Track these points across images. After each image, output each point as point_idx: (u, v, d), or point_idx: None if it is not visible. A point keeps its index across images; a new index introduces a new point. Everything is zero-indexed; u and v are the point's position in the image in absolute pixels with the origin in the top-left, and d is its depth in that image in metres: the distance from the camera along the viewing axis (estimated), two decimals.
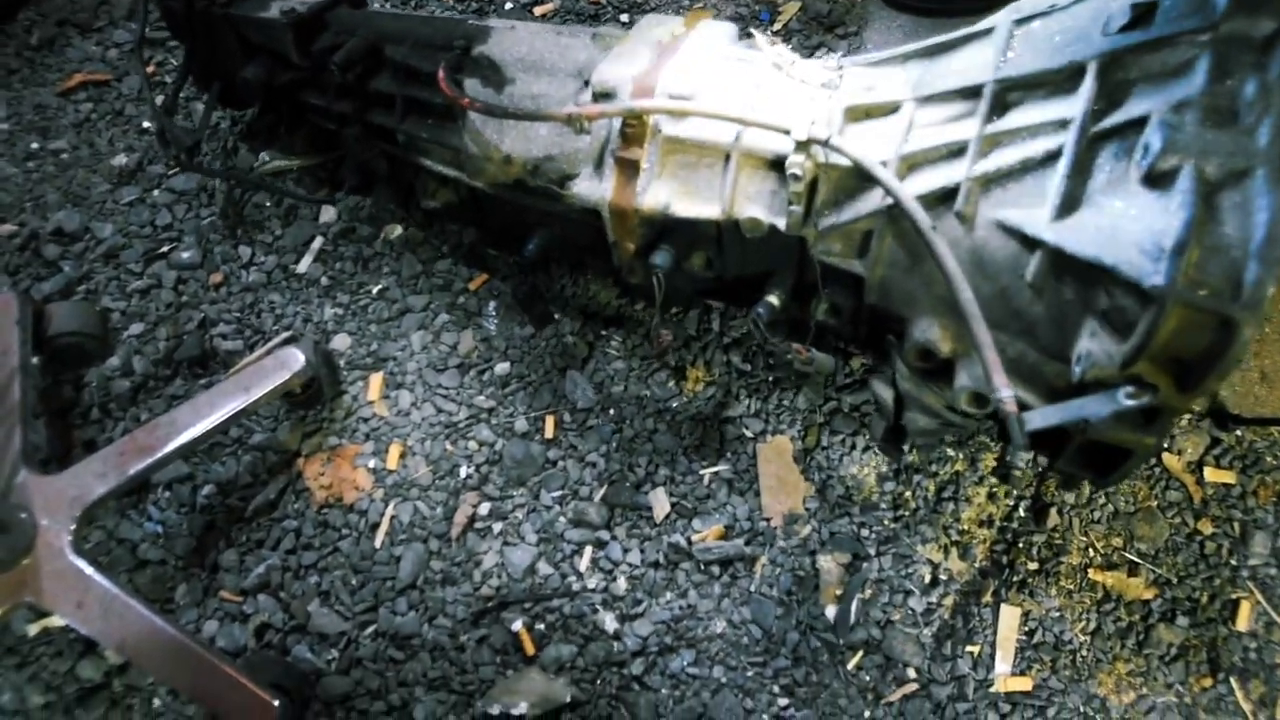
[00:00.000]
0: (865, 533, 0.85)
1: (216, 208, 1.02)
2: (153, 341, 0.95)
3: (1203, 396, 0.65)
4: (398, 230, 0.99)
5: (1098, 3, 0.60)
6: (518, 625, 0.82)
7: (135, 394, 0.93)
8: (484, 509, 0.87)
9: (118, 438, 0.90)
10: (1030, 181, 0.59)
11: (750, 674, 0.80)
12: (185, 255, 0.99)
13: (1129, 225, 0.51)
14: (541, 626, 0.82)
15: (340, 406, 0.91)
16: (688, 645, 0.82)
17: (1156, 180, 0.51)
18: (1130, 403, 0.52)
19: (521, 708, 0.79)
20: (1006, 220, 0.59)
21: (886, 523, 0.85)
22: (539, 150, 0.81)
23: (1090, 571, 0.83)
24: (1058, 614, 0.82)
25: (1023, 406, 0.59)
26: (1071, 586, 0.83)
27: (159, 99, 0.99)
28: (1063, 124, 0.57)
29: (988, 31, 0.66)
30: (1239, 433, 0.88)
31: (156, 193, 1.05)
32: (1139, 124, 0.53)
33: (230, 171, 1.03)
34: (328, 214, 1.01)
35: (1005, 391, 0.56)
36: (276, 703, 0.72)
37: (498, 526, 0.86)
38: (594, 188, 0.78)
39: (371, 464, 0.89)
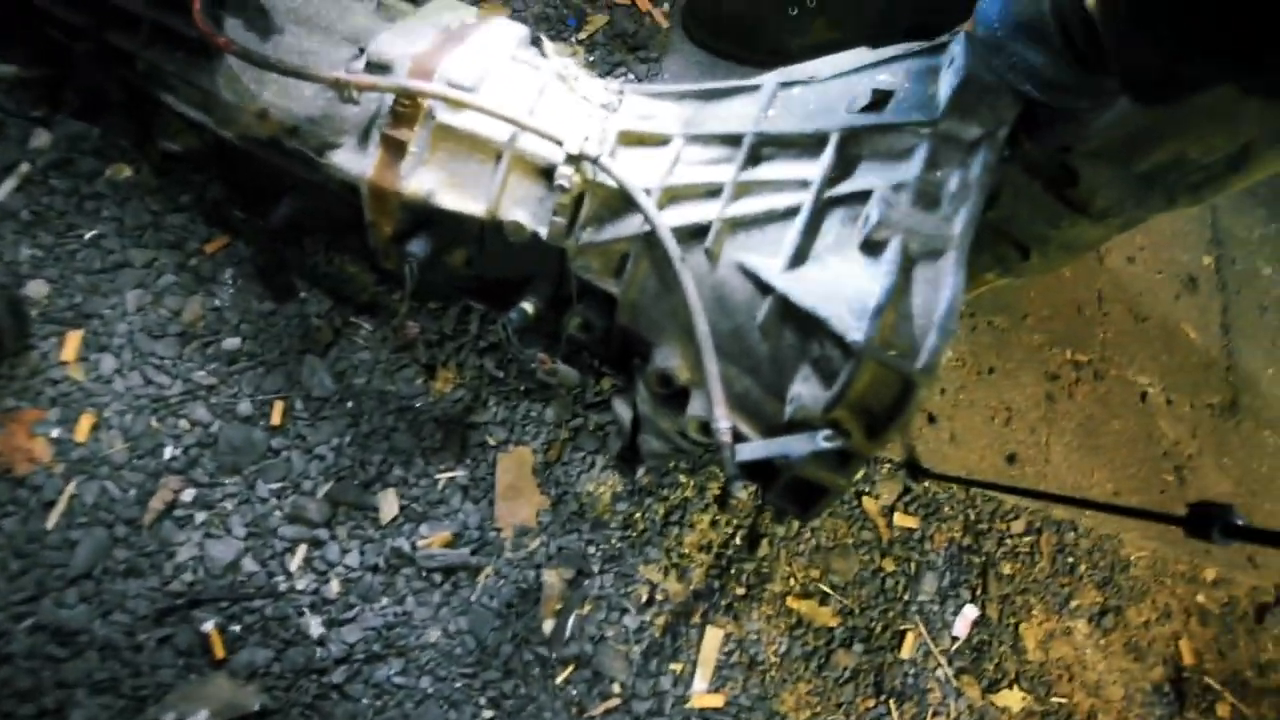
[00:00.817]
0: (592, 550, 0.87)
1: None
2: None
3: (886, 445, 0.74)
4: (126, 172, 0.88)
5: (848, 82, 0.67)
6: (209, 626, 0.75)
7: None
8: (187, 495, 0.79)
9: None
10: (772, 231, 0.64)
11: (459, 685, 0.79)
12: None
13: (844, 284, 0.58)
14: (237, 628, 0.76)
15: (24, 364, 0.79)
16: (397, 654, 0.79)
17: (871, 248, 0.57)
18: (826, 445, 0.58)
19: (201, 715, 0.73)
20: (746, 263, 0.63)
21: (614, 541, 0.88)
22: (300, 110, 0.75)
23: (789, 599, 0.91)
24: (755, 637, 0.88)
25: (741, 438, 0.63)
26: (771, 612, 0.90)
27: None
28: (804, 184, 0.63)
29: (756, 88, 0.71)
30: (926, 485, 1.00)
31: None
32: (864, 196, 0.60)
33: None
34: (40, 139, 0.87)
35: (724, 423, 0.60)
36: None
37: (201, 516, 0.79)
38: (355, 161, 0.73)
39: (55, 433, 0.78)
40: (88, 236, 0.85)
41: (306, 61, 0.74)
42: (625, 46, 1.17)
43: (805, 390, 0.60)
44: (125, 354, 0.81)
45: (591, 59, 1.14)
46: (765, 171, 0.66)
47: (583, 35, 1.16)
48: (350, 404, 0.86)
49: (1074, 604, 1.02)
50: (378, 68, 0.72)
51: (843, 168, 0.63)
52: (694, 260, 0.66)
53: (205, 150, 0.83)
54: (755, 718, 0.85)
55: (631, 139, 0.72)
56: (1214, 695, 1.04)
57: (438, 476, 0.86)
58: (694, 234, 0.67)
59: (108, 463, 0.78)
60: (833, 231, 0.62)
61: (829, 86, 0.68)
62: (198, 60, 0.77)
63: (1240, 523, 0.66)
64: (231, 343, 0.84)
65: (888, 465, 0.99)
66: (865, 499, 0.97)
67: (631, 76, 1.15)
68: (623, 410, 0.79)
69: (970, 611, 0.96)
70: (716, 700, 0.85)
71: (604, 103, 0.76)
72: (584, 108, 0.75)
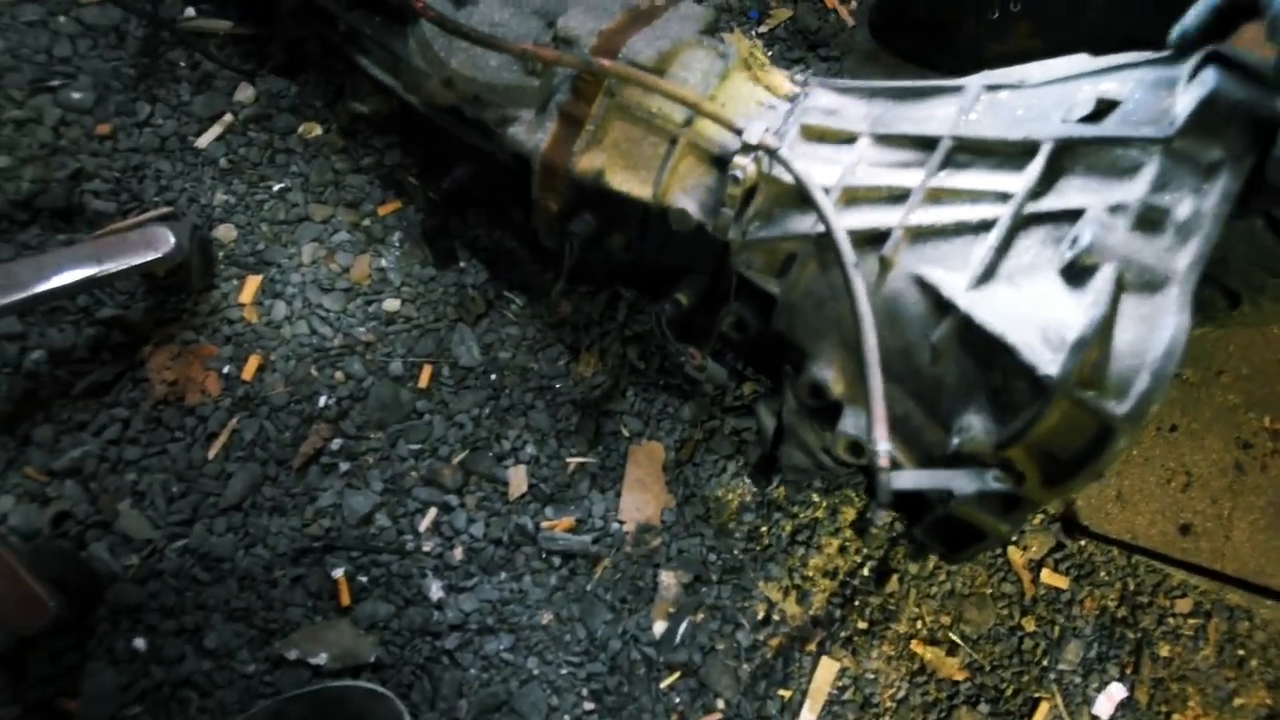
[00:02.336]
0: (713, 557, 0.85)
1: (125, 53, 0.92)
2: (16, 180, 0.85)
3: (1064, 496, 0.67)
4: (317, 130, 0.92)
5: (1065, 88, 0.60)
6: (339, 573, 0.78)
7: None
8: (335, 445, 0.82)
9: None
10: (959, 244, 0.58)
11: (564, 672, 0.79)
12: (76, 96, 0.89)
13: (1039, 311, 0.51)
14: (364, 579, 0.79)
15: (206, 301, 0.84)
16: (509, 630, 0.80)
17: (1076, 274, 0.51)
18: (996, 485, 0.52)
19: (321, 658, 0.76)
20: (926, 276, 0.58)
21: (736, 552, 0.85)
22: (484, 80, 0.76)
23: (913, 642, 0.85)
24: (872, 676, 0.83)
25: (896, 465, 0.59)
26: (892, 653, 0.84)
27: None
28: (1004, 196, 0.57)
29: (957, 89, 0.65)
30: (1082, 543, 0.91)
31: (63, 19, 0.94)
32: (1073, 215, 0.53)
33: (155, 15, 0.93)
34: (245, 92, 0.92)
35: (882, 445, 0.55)
36: (53, 604, 0.66)
37: (345, 466, 0.82)
38: (531, 135, 0.74)
39: (225, 370, 0.82)
40: (276, 188, 0.89)
41: (497, 33, 0.75)
42: (806, 43, 1.13)
43: (978, 422, 0.54)
44: (296, 303, 0.85)
45: (770, 53, 1.11)
46: (959, 180, 0.60)
47: (764, 28, 1.13)
48: (494, 376, 0.87)
49: (1238, 702, 0.90)
50: (564, 42, 0.72)
51: (1050, 182, 0.56)
52: (867, 268, 0.62)
53: (390, 114, 0.86)
54: None
55: (814, 134, 0.68)
56: None
57: (569, 460, 0.85)
58: (870, 240, 0.62)
59: (268, 403, 0.82)
60: (1029, 251, 0.55)
61: (1042, 92, 0.61)
62: (393, 26, 0.79)
63: None
64: (391, 304, 0.87)
65: (1041, 517, 0.91)
66: (1011, 549, 0.89)
67: (811, 73, 1.11)
68: (766, 418, 0.75)
69: (1117, 691, 0.87)
70: None
71: (788, 94, 0.72)
72: (766, 97, 0.72)
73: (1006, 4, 1.09)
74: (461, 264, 0.89)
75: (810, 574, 0.85)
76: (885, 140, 0.64)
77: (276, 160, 0.91)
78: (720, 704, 0.80)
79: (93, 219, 0.85)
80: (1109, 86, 0.57)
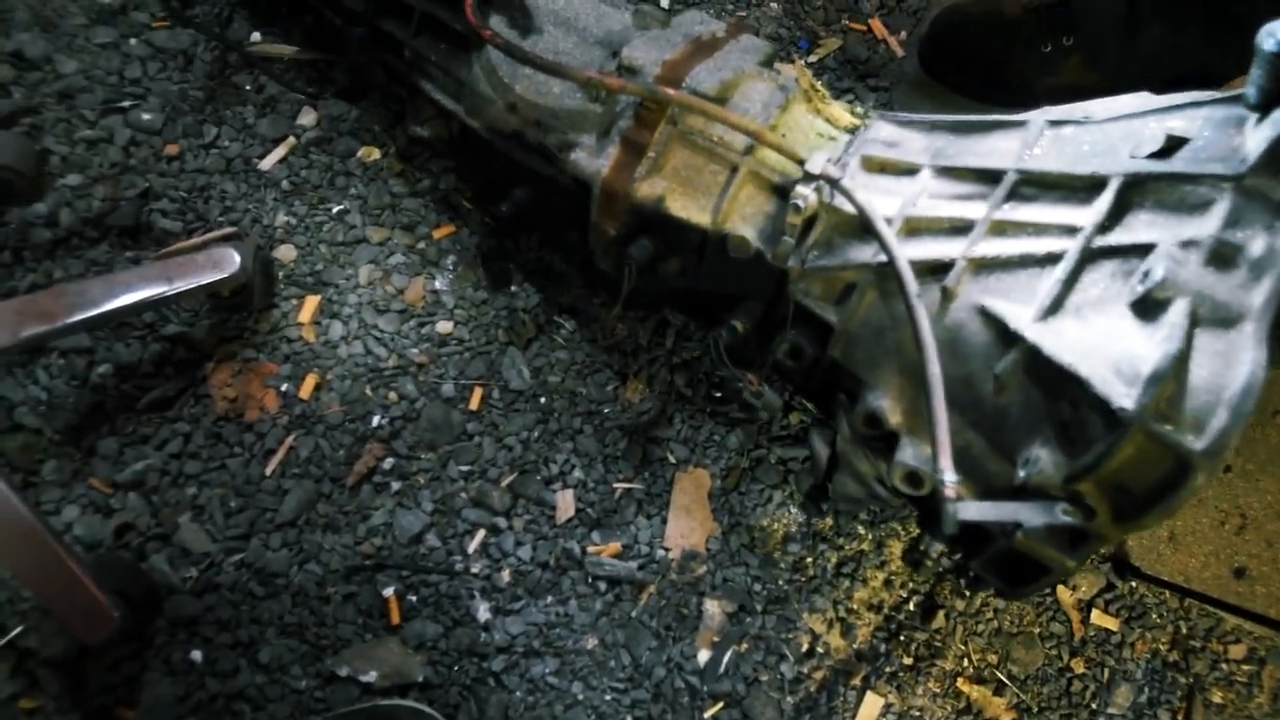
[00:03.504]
0: (758, 587, 0.84)
1: (193, 76, 0.95)
2: (87, 198, 0.88)
3: (1135, 531, 0.66)
4: (375, 154, 0.94)
5: (1131, 125, 0.60)
6: (390, 591, 0.79)
7: (54, 248, 0.87)
8: (387, 464, 0.83)
9: (23, 289, 0.84)
10: (1023, 277, 0.58)
11: (608, 698, 0.79)
12: (146, 117, 0.92)
13: (1110, 344, 0.51)
14: (413, 599, 0.80)
15: (266, 320, 0.86)
16: (554, 654, 0.80)
17: (1148, 308, 0.50)
18: (1066, 519, 0.52)
19: (371, 675, 0.77)
20: (990, 308, 0.58)
21: (781, 583, 0.85)
22: (548, 105, 0.78)
23: (959, 680, 0.84)
24: (918, 714, 0.82)
25: (959, 496, 0.58)
26: (938, 690, 0.84)
27: None
28: (1070, 230, 0.56)
29: (1020, 123, 0.64)
30: (1133, 585, 0.89)
31: (134, 42, 0.97)
32: (1143, 250, 0.53)
33: (224, 38, 0.96)
34: (307, 116, 0.95)
35: (949, 475, 0.54)
36: (117, 614, 0.68)
37: (396, 485, 0.83)
38: (592, 160, 0.75)
39: (284, 388, 0.84)
40: (335, 210, 0.91)
41: (560, 61, 0.76)
42: (856, 73, 1.14)
43: (1045, 455, 0.54)
44: (352, 323, 0.87)
45: (819, 83, 1.11)
46: (1024, 213, 0.59)
47: (814, 58, 1.14)
48: (543, 400, 0.88)
49: None
50: (629, 71, 0.73)
51: (1118, 216, 0.56)
52: (928, 298, 0.62)
53: (449, 139, 0.88)
54: None
55: (875, 165, 0.68)
56: None
57: (616, 485, 0.86)
58: (932, 270, 0.61)
59: (324, 422, 0.84)
60: (1098, 285, 0.55)
61: (1108, 128, 0.61)
62: (458, 52, 0.81)
63: None
64: (444, 325, 0.89)
65: (1092, 557, 0.90)
66: (1060, 589, 0.88)
67: (860, 104, 1.11)
68: (820, 446, 0.75)
69: None
70: None
71: (848, 125, 0.73)
72: (826, 129, 0.72)
73: (1059, 37, 1.09)
74: (514, 288, 0.91)
75: (855, 607, 0.85)
76: (947, 172, 0.64)
77: (336, 183, 0.93)
78: None
79: (159, 237, 0.88)
80: (1176, 124, 0.57)
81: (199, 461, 0.81)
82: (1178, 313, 0.48)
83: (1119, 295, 0.53)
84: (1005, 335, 0.56)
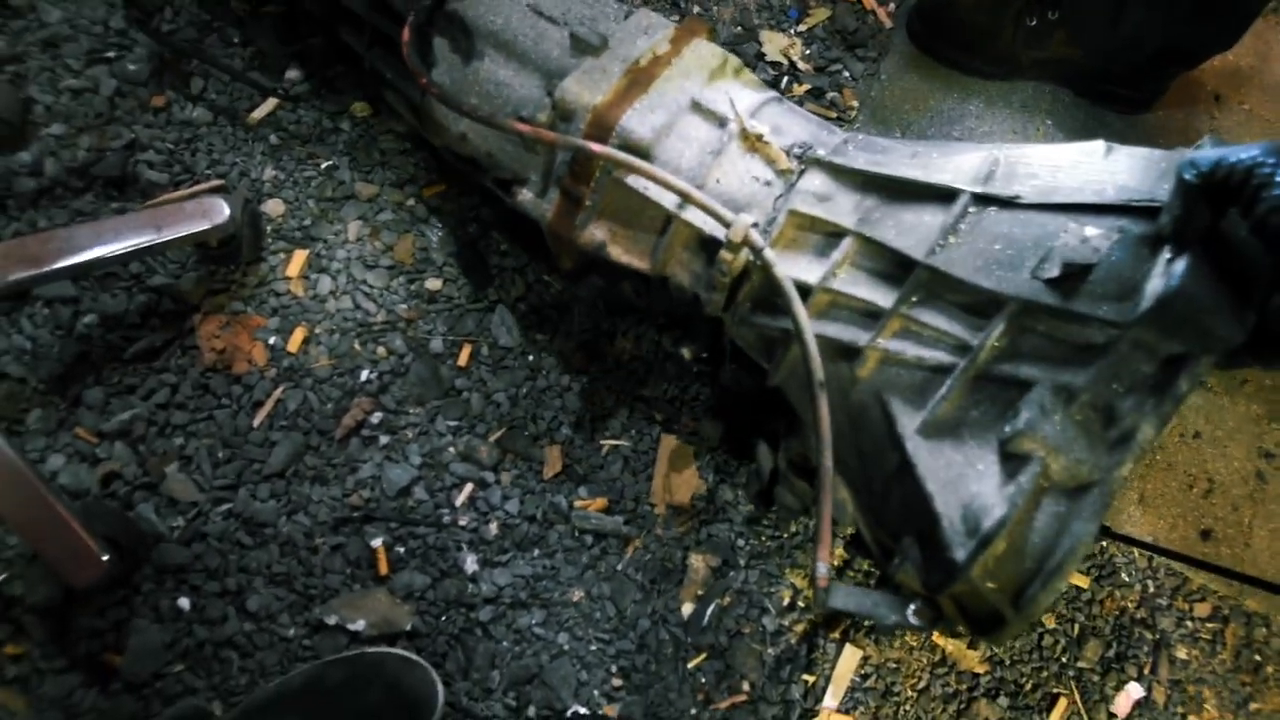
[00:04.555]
0: (741, 543, 0.86)
1: (179, 26, 0.94)
2: (72, 148, 0.87)
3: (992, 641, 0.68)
4: (366, 110, 0.94)
5: (1051, 224, 0.57)
6: (378, 542, 0.80)
7: (38, 197, 0.86)
8: (375, 418, 0.84)
9: (7, 238, 0.83)
10: (920, 379, 0.59)
11: (593, 648, 0.81)
12: (132, 68, 0.91)
13: (970, 481, 0.53)
14: (401, 550, 0.81)
15: (255, 273, 0.86)
16: (541, 605, 0.81)
17: (1009, 455, 0.52)
18: (914, 621, 0.55)
19: (359, 624, 0.77)
20: (888, 403, 0.59)
21: (764, 539, 0.86)
22: (489, 147, 0.78)
23: (936, 635, 0.86)
24: (895, 665, 0.85)
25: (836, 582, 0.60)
26: (915, 644, 0.86)
27: None
28: (964, 348, 0.57)
29: (950, 196, 0.62)
30: (1104, 544, 0.92)
31: None
32: (1024, 385, 0.53)
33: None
34: (294, 70, 0.94)
35: (821, 567, 0.57)
36: (105, 558, 0.68)
37: (384, 439, 0.83)
38: (537, 205, 0.75)
39: (271, 340, 0.84)
40: (324, 165, 0.91)
41: (502, 94, 0.76)
42: (844, 43, 1.14)
43: (913, 554, 0.56)
44: (341, 278, 0.87)
45: (808, 52, 1.12)
46: (927, 314, 0.59)
47: (803, 27, 1.14)
48: (531, 357, 0.88)
49: (1254, 707, 0.91)
50: (563, 115, 0.72)
51: (1012, 339, 0.55)
52: (841, 372, 0.62)
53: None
54: None
55: (804, 222, 0.67)
56: None
57: (603, 443, 0.87)
58: (843, 352, 0.62)
59: (312, 375, 0.84)
60: (979, 407, 0.55)
61: (1027, 221, 0.58)
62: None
63: None
64: (433, 282, 0.89)
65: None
66: None
67: (847, 74, 1.12)
68: (764, 459, 0.78)
69: (1135, 690, 0.88)
70: None
71: (785, 169, 0.70)
72: (763, 171, 0.70)
73: (1045, 12, 1.10)
74: (503, 247, 0.91)
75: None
76: (869, 244, 0.63)
77: (326, 139, 0.92)
78: (745, 686, 0.81)
79: (145, 189, 0.87)
80: (1091, 232, 0.54)
81: (186, 412, 0.81)
82: (1029, 472, 0.50)
83: (995, 422, 0.54)
84: (893, 436, 0.58)
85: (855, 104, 1.11)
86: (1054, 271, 0.52)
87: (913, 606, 0.55)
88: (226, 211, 0.79)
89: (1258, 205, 0.44)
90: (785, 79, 1.09)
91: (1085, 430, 0.50)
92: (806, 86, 1.10)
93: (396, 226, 0.90)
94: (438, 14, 0.78)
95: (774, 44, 1.13)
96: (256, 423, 0.82)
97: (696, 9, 1.12)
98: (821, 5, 1.16)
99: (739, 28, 1.12)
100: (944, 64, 1.16)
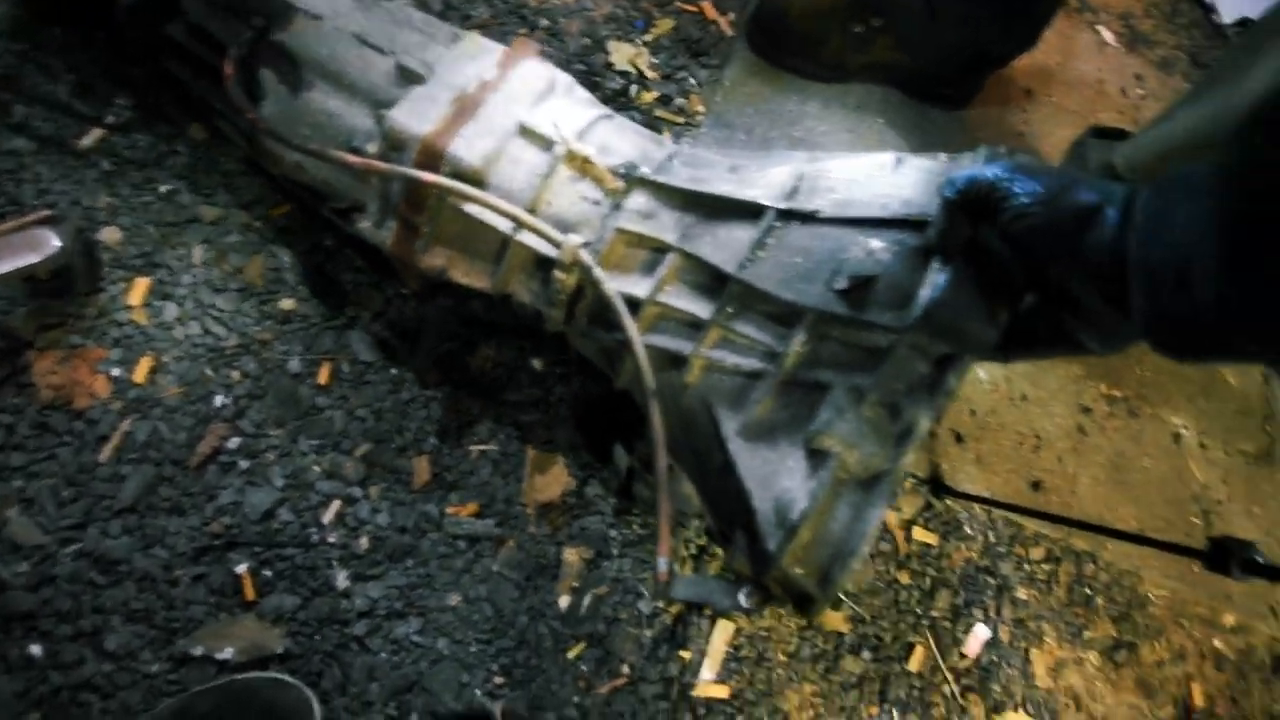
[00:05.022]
0: (613, 534, 0.89)
1: None
2: None
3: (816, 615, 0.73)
4: (203, 133, 0.92)
5: (843, 239, 0.62)
6: (242, 568, 0.79)
7: None
8: (233, 443, 0.82)
9: None
10: (739, 385, 0.64)
11: (474, 650, 0.82)
12: None
13: (781, 476, 0.59)
14: (268, 573, 0.80)
15: (93, 304, 0.83)
16: (418, 614, 0.82)
17: (813, 453, 0.58)
18: (746, 605, 0.61)
19: (227, 652, 0.76)
20: (712, 407, 0.65)
21: (635, 528, 0.90)
22: (324, 176, 0.79)
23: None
24: (766, 634, 0.89)
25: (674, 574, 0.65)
26: (783, 611, 0.91)
27: None
28: (772, 355, 0.63)
29: (758, 213, 0.67)
30: (948, 502, 1.00)
31: None
32: (823, 388, 0.60)
33: None
34: (124, 94, 0.92)
35: (662, 563, 0.62)
36: None
37: (244, 464, 0.82)
38: (376, 231, 0.77)
39: (115, 372, 0.82)
40: (163, 190, 0.89)
41: (331, 123, 0.77)
42: (689, 51, 1.20)
43: (741, 544, 0.62)
44: (188, 304, 0.85)
45: (656, 61, 1.17)
46: (741, 324, 0.65)
47: (649, 37, 1.19)
48: (393, 370, 0.89)
49: (1087, 635, 1.01)
50: (393, 145, 0.73)
51: (813, 345, 0.61)
52: (672, 378, 0.68)
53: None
54: (759, 713, 0.86)
55: (631, 239, 0.71)
56: None
57: (471, 449, 0.88)
58: (672, 361, 0.68)
59: (161, 405, 0.82)
60: (789, 409, 0.62)
61: (824, 235, 0.63)
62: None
63: (1261, 560, 0.66)
64: (287, 302, 0.88)
65: (911, 480, 1.00)
66: (887, 511, 0.97)
67: (693, 81, 1.18)
68: (620, 459, 0.83)
69: (982, 632, 0.96)
70: (722, 691, 0.86)
71: (612, 188, 0.73)
72: (592, 191, 0.73)
73: (868, 20, 1.19)
74: (352, 296, 0.91)
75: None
76: (690, 259, 0.68)
77: (164, 163, 0.90)
78: (625, 669, 0.84)
79: None
80: (876, 245, 0.60)
81: (24, 453, 0.77)
82: (829, 468, 0.57)
83: (803, 423, 0.60)
84: (718, 438, 0.63)
85: (701, 109, 1.16)
86: (843, 283, 0.58)
87: (744, 591, 0.61)
88: (56, 242, 0.76)
89: (1000, 216, 0.50)
90: (634, 87, 1.14)
91: (875, 426, 0.57)
92: (655, 94, 1.14)
93: (244, 248, 0.89)
94: (261, 45, 0.78)
95: (621, 54, 1.17)
96: (103, 457, 0.79)
97: (545, 22, 1.15)
98: (666, 16, 1.22)
99: (587, 39, 1.16)
100: (782, 69, 1.24)
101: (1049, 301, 0.53)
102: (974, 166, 0.55)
